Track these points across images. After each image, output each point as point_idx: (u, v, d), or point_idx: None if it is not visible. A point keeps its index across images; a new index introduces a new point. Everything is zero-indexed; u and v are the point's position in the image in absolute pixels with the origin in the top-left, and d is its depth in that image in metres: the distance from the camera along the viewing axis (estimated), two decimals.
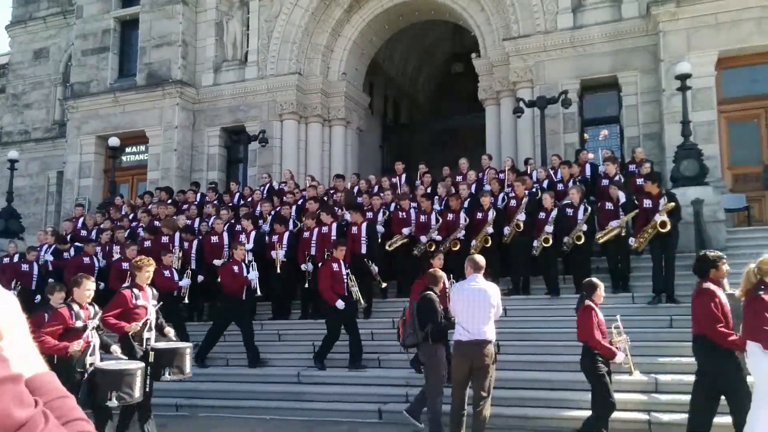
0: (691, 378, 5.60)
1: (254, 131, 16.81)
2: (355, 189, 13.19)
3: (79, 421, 0.94)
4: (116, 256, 11.56)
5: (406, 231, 10.76)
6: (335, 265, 9.04)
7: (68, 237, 13.08)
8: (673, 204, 8.83)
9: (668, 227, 8.67)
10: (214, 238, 11.36)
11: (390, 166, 17.07)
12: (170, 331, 6.36)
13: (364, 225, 10.53)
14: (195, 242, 11.35)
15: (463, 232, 10.20)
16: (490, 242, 9.96)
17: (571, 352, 7.87)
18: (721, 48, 12.75)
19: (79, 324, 5.58)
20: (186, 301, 10.35)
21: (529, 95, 14.49)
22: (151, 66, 17.79)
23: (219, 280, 9.96)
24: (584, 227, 9.43)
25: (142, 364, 5.52)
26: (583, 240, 9.38)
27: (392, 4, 17.64)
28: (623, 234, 9.28)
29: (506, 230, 10.06)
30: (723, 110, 12.99)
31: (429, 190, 12.06)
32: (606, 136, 14.93)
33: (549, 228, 9.61)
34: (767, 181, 12.51)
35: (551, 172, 11.65)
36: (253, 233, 11.21)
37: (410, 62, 22.94)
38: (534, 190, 10.91)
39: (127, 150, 17.92)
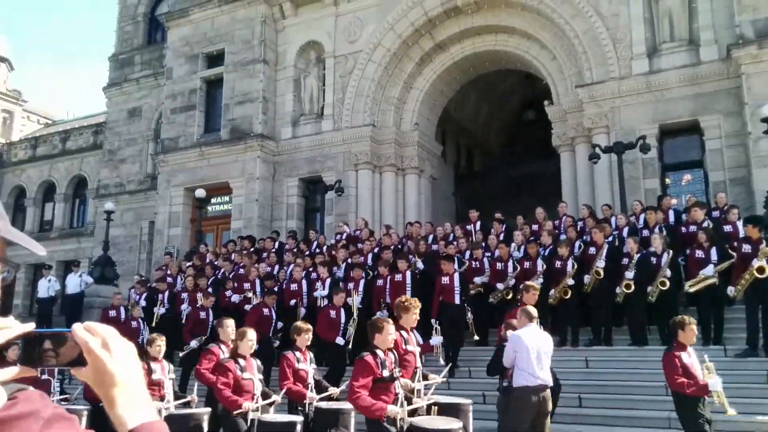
0: None
1: (330, 181, 17.35)
2: (430, 237, 13.30)
3: None
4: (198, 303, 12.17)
5: (478, 280, 10.71)
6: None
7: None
8: None
9: (767, 273, 8.23)
10: (293, 286, 11.71)
11: (463, 214, 17.12)
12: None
13: (456, 275, 10.20)
14: (276, 288, 11.72)
15: (541, 279, 10.06)
16: (569, 294, 9.74)
17: (657, 407, 7.55)
18: None
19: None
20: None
21: (605, 141, 14.30)
22: (233, 122, 18.82)
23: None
24: (668, 272, 9.11)
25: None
26: (667, 285, 9.04)
27: (463, 56, 18.04)
28: (716, 284, 8.87)
29: (586, 278, 9.85)
30: None
31: (503, 237, 12.00)
32: (689, 181, 14.44)
33: (629, 274, 9.33)
34: None
35: (633, 219, 11.36)
36: (328, 280, 11.47)
37: (482, 110, 23.17)
38: (612, 237, 10.67)
39: (213, 201, 18.85)
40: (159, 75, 22.35)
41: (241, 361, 5.72)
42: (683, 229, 10.50)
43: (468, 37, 17.73)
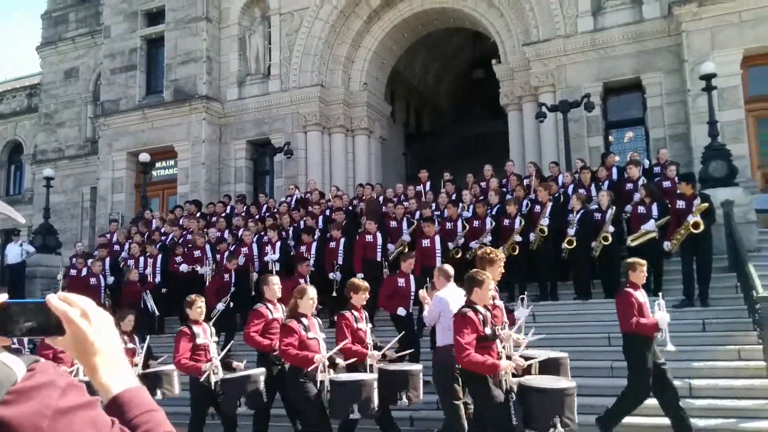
0: (725, 382, 5.57)
1: (279, 143, 17.07)
2: (380, 198, 13.32)
3: None
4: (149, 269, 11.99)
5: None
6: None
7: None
8: (706, 205, 8.74)
9: (701, 228, 8.59)
10: (244, 249, 11.59)
11: (413, 174, 17.18)
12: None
13: (437, 237, 10.03)
14: (226, 253, 11.57)
15: (490, 237, 10.24)
16: (517, 250, 9.96)
17: (600, 357, 7.88)
18: (747, 46, 12.62)
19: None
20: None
21: (551, 99, 14.49)
22: (177, 82, 18.18)
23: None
24: (611, 228, 9.40)
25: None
26: (610, 241, 9.34)
27: (411, 14, 17.79)
28: (656, 238, 9.20)
29: (531, 236, 10.07)
30: (751, 108, 12.85)
31: (454, 197, 12.11)
32: (631, 138, 14.84)
33: (571, 231, 9.58)
34: None
35: (577, 177, 11.62)
36: (278, 244, 11.39)
37: (431, 70, 23.05)
38: (558, 195, 10.90)
39: (157, 165, 18.33)
40: (96, 33, 21.29)
41: (304, 321, 5.39)
42: (623, 185, 10.81)
43: None
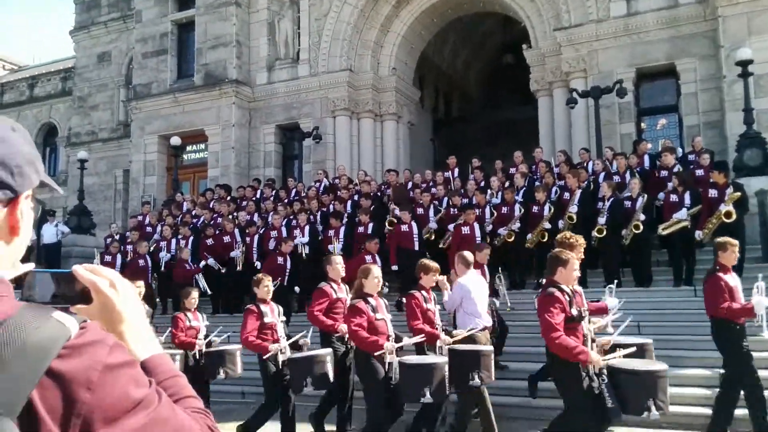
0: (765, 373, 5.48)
1: (308, 128, 17.17)
2: (409, 184, 13.35)
3: (190, 399, 1.04)
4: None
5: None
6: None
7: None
8: (739, 194, 8.65)
9: (733, 218, 8.49)
10: (273, 233, 11.76)
11: (442, 159, 17.15)
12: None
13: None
14: (256, 237, 11.74)
15: (518, 224, 10.22)
16: (546, 237, 9.89)
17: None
18: None
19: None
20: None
21: (582, 85, 14.32)
22: (207, 67, 18.37)
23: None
24: (642, 217, 9.30)
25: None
26: (641, 229, 9.24)
27: None
28: (689, 227, 9.10)
29: (560, 224, 10.01)
30: None
31: (483, 185, 12.09)
32: (664, 125, 14.61)
33: (602, 219, 9.49)
34: None
35: (608, 164, 11.50)
36: (307, 228, 11.52)
37: (460, 55, 22.88)
38: (587, 182, 10.81)
39: (188, 149, 18.58)
40: (128, 18, 21.58)
41: (372, 301, 5.32)
42: (657, 173, 10.68)
43: None
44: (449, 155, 14.40)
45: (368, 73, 17.77)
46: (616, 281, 7.06)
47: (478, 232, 9.94)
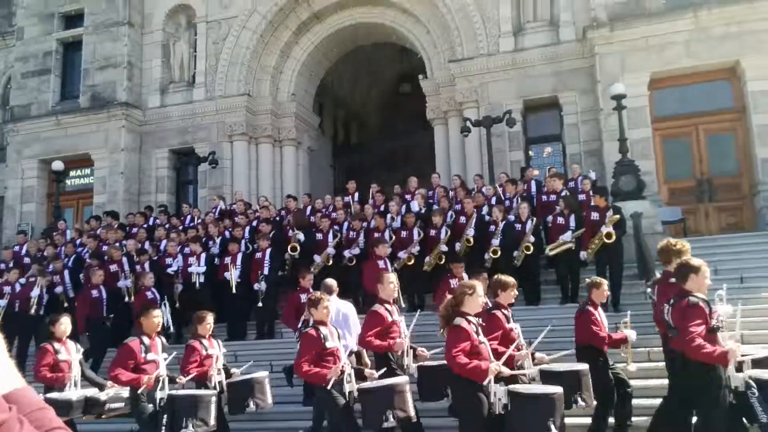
0: (637, 383, 5.88)
1: (203, 152, 16.71)
2: (308, 209, 13.27)
3: (59, 430, 1.00)
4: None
5: (355, 251, 10.85)
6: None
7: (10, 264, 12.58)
8: (618, 216, 9.32)
9: (614, 238, 9.12)
10: (168, 260, 11.23)
11: (341, 185, 17.23)
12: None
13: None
14: (147, 264, 11.14)
15: (418, 247, 10.41)
16: (444, 259, 10.18)
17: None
18: (653, 69, 13.51)
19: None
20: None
21: (475, 115, 14.96)
22: (95, 88, 17.48)
23: None
24: (532, 238, 9.79)
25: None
26: (531, 250, 9.71)
27: (341, 27, 17.94)
28: (573, 248, 9.66)
29: (457, 246, 10.33)
30: (657, 128, 13.73)
31: (382, 209, 12.23)
32: (550, 153, 15.51)
33: (495, 241, 9.93)
34: (701, 195, 13.27)
35: (500, 189, 12.02)
36: (203, 255, 11.11)
37: (359, 83, 23.26)
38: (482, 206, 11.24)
39: (72, 174, 17.47)
40: (7, 35, 20.19)
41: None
42: (543, 197, 11.29)
43: (345, 9, 17.63)
44: (348, 180, 14.50)
45: (267, 98, 17.63)
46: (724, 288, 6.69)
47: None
